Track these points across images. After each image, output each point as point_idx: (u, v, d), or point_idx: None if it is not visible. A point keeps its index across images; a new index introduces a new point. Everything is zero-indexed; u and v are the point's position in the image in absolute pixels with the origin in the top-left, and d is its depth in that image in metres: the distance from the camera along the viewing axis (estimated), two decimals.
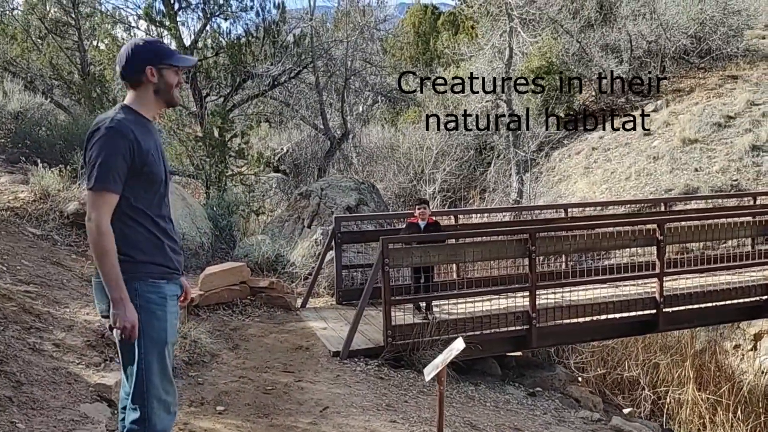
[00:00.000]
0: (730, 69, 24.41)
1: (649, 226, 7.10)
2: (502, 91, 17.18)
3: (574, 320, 6.92)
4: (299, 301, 7.97)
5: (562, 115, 21.82)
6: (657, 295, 7.15)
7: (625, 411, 8.33)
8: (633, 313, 7.14)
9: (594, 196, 18.15)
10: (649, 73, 25.29)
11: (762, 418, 8.42)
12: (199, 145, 13.03)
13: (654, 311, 7.19)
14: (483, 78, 18.28)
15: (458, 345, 4.34)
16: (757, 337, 10.84)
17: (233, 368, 5.55)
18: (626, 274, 7.17)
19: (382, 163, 20.50)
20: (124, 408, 2.98)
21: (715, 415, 8.38)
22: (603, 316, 7.02)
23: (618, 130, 22.01)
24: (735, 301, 7.58)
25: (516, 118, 17.44)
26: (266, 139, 19.96)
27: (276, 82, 14.67)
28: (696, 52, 25.73)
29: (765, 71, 23.58)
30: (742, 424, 8.18)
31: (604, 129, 22.50)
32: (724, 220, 7.62)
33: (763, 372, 10.04)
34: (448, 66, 26.04)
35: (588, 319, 6.97)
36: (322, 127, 17.59)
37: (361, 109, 24.30)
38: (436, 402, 5.28)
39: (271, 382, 5.28)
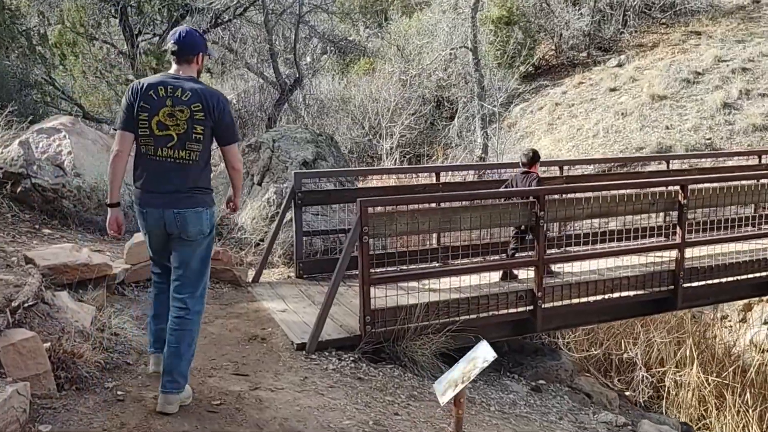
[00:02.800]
0: (693, 25, 23.65)
1: (671, 188, 5.99)
2: (467, 40, 15.75)
3: (584, 299, 5.79)
4: (251, 275, 6.62)
5: (522, 68, 20.66)
6: (676, 269, 6.08)
7: (627, 393, 7.39)
8: (649, 290, 6.06)
9: (560, 153, 17.17)
10: (611, 26, 24.37)
11: None
12: None
13: (672, 287, 6.13)
14: (446, 25, 16.81)
15: (484, 353, 3.11)
16: (746, 308, 10.06)
17: None
18: (642, 244, 6.08)
19: (334, 116, 18.99)
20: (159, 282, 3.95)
21: (720, 399, 7.49)
22: (616, 294, 5.92)
23: (582, 84, 21.07)
24: (755, 275, 6.60)
25: (480, 69, 16.14)
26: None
27: (219, 20, 12.93)
28: (658, 6, 24.90)
29: (728, 27, 22.88)
30: (750, 410, 7.31)
31: (566, 84, 21.54)
32: (748, 181, 6.57)
33: (755, 346, 9.27)
34: (404, 14, 24.52)
35: (599, 297, 5.86)
36: (271, 74, 15.93)
37: (309, 59, 22.63)
38: (432, 413, 4.08)
39: (219, 393, 3.96)
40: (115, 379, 3.93)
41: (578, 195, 5.61)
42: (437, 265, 6.20)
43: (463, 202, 5.30)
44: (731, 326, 10.01)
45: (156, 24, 12.70)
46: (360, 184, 9.05)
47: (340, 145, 16.24)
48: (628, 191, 5.84)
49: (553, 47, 24.33)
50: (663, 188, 5.99)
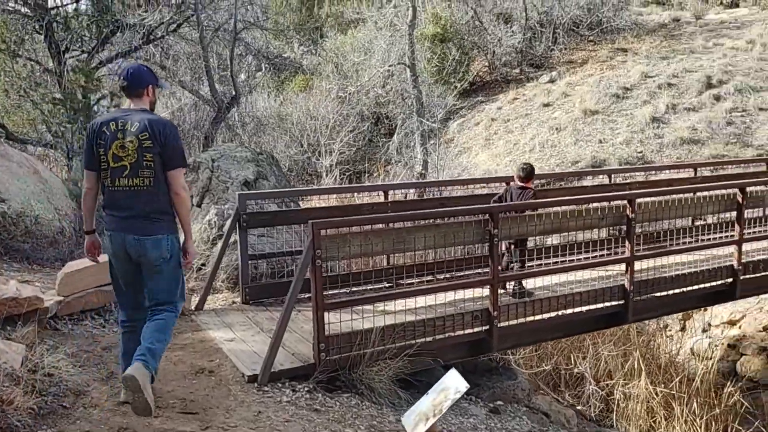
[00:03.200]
0: (619, 42, 24.47)
1: (618, 202, 6.03)
2: (405, 56, 15.76)
3: (538, 317, 5.74)
4: (194, 302, 6.30)
5: (457, 85, 20.88)
6: (627, 283, 6.11)
7: (579, 407, 7.38)
8: (601, 305, 6.07)
9: (498, 168, 17.35)
10: (542, 44, 24.97)
11: (716, 410, 7.70)
12: (58, 108, 10.80)
13: (623, 301, 6.16)
14: (383, 42, 16.79)
15: (456, 384, 2.97)
16: (686, 317, 10.29)
17: (108, 414, 3.86)
18: (593, 258, 6.08)
19: (271, 134, 18.69)
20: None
21: (668, 410, 7.57)
22: (569, 310, 5.89)
23: (516, 100, 21.44)
24: (702, 286, 6.71)
25: (419, 85, 16.16)
26: None
27: (152, 36, 12.49)
28: (586, 24, 25.67)
29: (652, 45, 23.79)
30: (697, 419, 7.40)
31: (501, 100, 21.87)
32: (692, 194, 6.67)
33: (697, 355, 9.47)
34: (339, 31, 24.46)
35: (553, 314, 5.81)
36: (206, 91, 15.52)
37: (243, 76, 22.28)
38: None
39: None
40: (51, 425, 3.60)
41: (530, 212, 5.57)
42: (392, 286, 6.03)
43: (421, 221, 5.17)
44: (671, 335, 10.22)
45: (84, 41, 12.16)
46: (303, 205, 8.87)
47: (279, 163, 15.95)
48: (578, 207, 5.82)
49: (487, 64, 24.73)
50: (611, 203, 6.02)
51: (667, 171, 9.37)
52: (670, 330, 10.35)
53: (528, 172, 6.50)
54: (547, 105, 20.18)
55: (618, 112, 18.59)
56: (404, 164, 15.99)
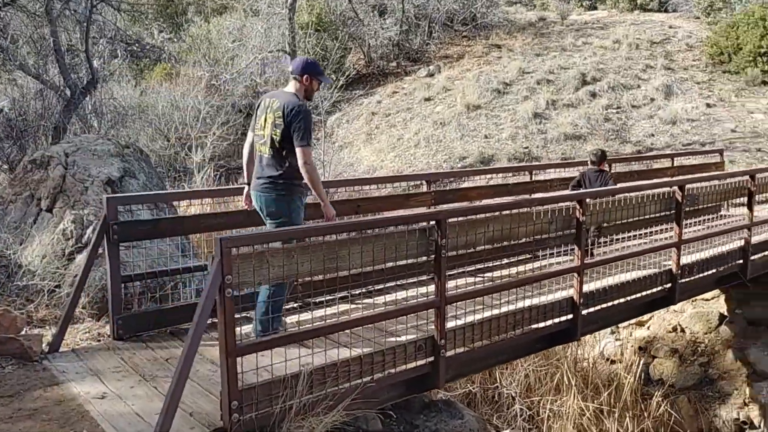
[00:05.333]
0: (492, 38, 24.51)
1: (568, 204, 5.23)
2: (285, 43, 14.45)
3: (486, 341, 4.82)
4: (46, 339, 4.80)
5: (340, 77, 19.85)
6: (575, 296, 5.35)
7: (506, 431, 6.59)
8: (550, 322, 5.26)
9: (383, 164, 16.53)
10: (418, 37, 24.52)
11: (646, 422, 7.21)
12: None
13: (571, 316, 5.39)
14: (260, 27, 15.37)
15: None
16: None
17: None
18: (542, 270, 5.26)
19: (132, 126, 16.70)
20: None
21: (599, 426, 6.97)
22: (518, 330, 5.03)
23: (396, 94, 20.75)
24: (643, 293, 6.11)
25: None
26: None
27: None
28: (460, 20, 25.54)
29: (525, 42, 23.99)
30: None
31: (380, 93, 21.10)
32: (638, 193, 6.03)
33: (606, 358, 9.06)
34: (204, 18, 22.64)
35: (502, 336, 4.92)
36: (54, 76, 13.41)
37: (97, 63, 19.94)
38: None
39: None
40: None
41: (479, 216, 4.63)
42: (321, 317, 4.86)
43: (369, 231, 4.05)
44: (585, 339, 9.77)
45: None
46: (183, 209, 7.47)
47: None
48: (527, 210, 4.96)
49: (364, 56, 23.90)
50: (560, 205, 5.22)
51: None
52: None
53: (600, 156, 7.03)
54: (428, 99, 19.63)
55: (500, 107, 18.36)
56: None
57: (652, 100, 18.41)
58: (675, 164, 9.62)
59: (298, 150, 4.44)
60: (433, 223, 4.33)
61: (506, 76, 20.15)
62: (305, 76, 4.64)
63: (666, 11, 26.65)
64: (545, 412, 7.04)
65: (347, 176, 15.33)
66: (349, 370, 4.04)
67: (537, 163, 9.64)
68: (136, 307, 5.33)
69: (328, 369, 3.94)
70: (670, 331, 9.20)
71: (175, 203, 7.38)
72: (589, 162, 7.22)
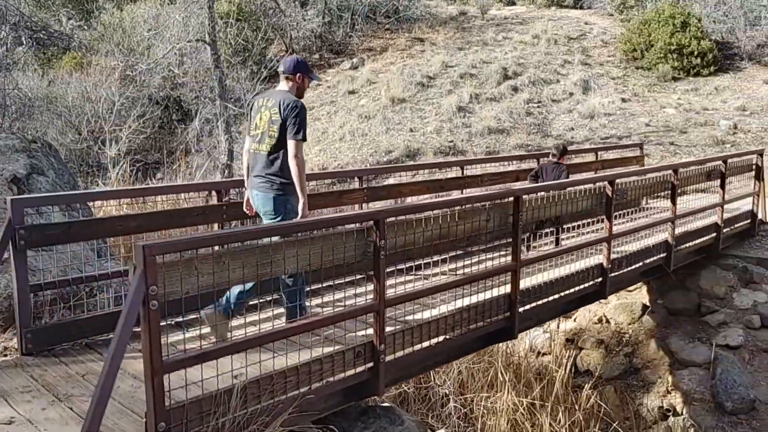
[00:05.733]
0: (415, 32, 24.54)
1: (505, 199, 5.15)
2: (205, 33, 13.89)
3: (426, 343, 4.68)
4: None
5: (259, 68, 19.36)
6: (513, 293, 5.29)
7: (441, 431, 6.50)
8: (488, 321, 5.17)
9: (307, 158, 16.17)
10: (341, 29, 24.26)
11: (577, 414, 7.28)
12: None
13: (509, 314, 5.33)
14: (178, 15, 14.71)
15: None
16: None
17: None
18: (479, 268, 5.15)
19: (39, 118, 15.75)
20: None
21: (533, 421, 6.99)
22: (457, 331, 4.91)
23: (320, 87, 20.42)
24: (577, 288, 6.13)
25: (222, 66, 14.43)
26: None
27: None
28: (383, 12, 25.43)
29: (447, 36, 24.13)
30: (562, 429, 6.91)
31: None
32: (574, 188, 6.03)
33: (534, 351, 9.14)
34: (116, 5, 21.59)
35: (441, 338, 4.79)
36: None
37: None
38: None
39: None
40: None
41: (418, 215, 4.47)
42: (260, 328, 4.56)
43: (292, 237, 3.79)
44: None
45: None
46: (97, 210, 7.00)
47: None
48: (464, 207, 4.84)
49: (285, 48, 23.43)
50: (501, 200, 5.13)
51: (516, 162, 8.90)
52: None
53: (561, 151, 7.54)
54: (352, 92, 19.43)
55: (425, 101, 18.35)
56: (206, 154, 14.17)
57: (571, 94, 18.84)
58: (599, 158, 9.80)
59: (290, 142, 4.53)
60: (371, 223, 4.14)
61: (430, 70, 20.17)
62: (298, 75, 4.77)
63: (581, 8, 27.35)
64: (479, 409, 7.00)
65: None
66: (286, 381, 3.80)
67: (468, 158, 9.54)
68: (47, 318, 4.90)
69: (264, 381, 3.70)
70: (595, 323, 9.37)
71: (89, 203, 6.90)
72: (550, 155, 7.72)
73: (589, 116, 17.35)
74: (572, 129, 16.89)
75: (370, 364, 4.28)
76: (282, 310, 4.68)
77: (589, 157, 10.09)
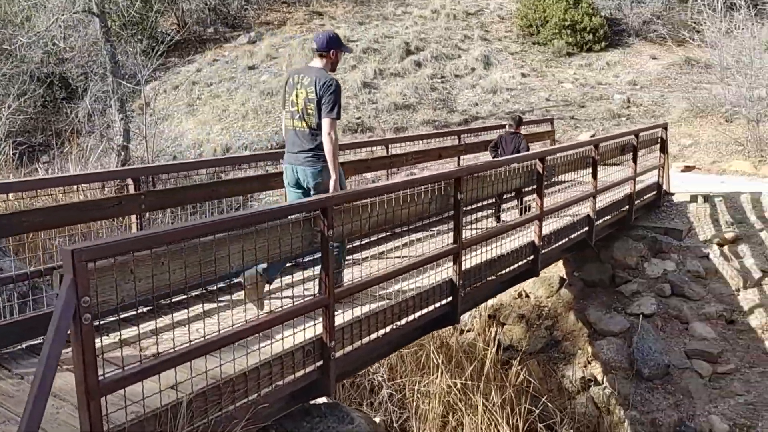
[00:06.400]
0: (313, 5, 23.93)
1: (445, 181, 4.93)
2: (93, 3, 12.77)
3: (374, 335, 4.42)
4: None
5: (150, 43, 18.23)
6: (455, 276, 5.12)
7: (377, 420, 6.30)
8: (432, 307, 4.98)
9: (209, 137, 15.45)
10: (235, 2, 23.31)
11: (508, 391, 7.29)
12: None
13: (451, 298, 5.16)
14: None
15: None
16: None
17: None
18: (423, 255, 4.93)
19: None
20: None
21: (468, 402, 6.93)
22: (403, 320, 4.69)
23: (217, 62, 19.53)
24: (511, 268, 6.06)
25: (112, 39, 13.37)
26: None
27: None
28: None
29: (346, 10, 23.68)
30: (499, 409, 6.90)
31: (199, 61, 19.72)
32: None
33: (461, 330, 9.12)
34: None
35: (389, 328, 4.55)
36: None
37: None
38: None
39: None
40: None
41: (365, 200, 4.18)
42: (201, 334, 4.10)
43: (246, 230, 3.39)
44: None
45: None
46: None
47: None
48: (411, 190, 4.59)
49: (176, 21, 22.24)
50: (441, 182, 4.91)
51: (436, 139, 8.73)
52: None
53: (517, 121, 8.05)
54: (252, 68, 18.70)
55: None
56: (99, 135, 13.16)
57: (473, 69, 18.96)
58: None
59: (324, 120, 4.68)
60: (318, 211, 3.82)
61: None
62: (332, 51, 4.90)
63: None
64: (413, 393, 6.86)
65: (174, 152, 14.13)
66: (234, 389, 3.45)
67: (393, 137, 9.18)
68: None
69: (211, 392, 3.33)
70: (516, 298, 9.45)
71: None
72: (507, 125, 8.17)
73: (492, 91, 17.52)
74: (476, 104, 17.00)
75: (320, 362, 3.98)
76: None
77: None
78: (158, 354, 3.06)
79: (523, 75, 18.90)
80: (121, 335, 3.13)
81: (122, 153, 12.47)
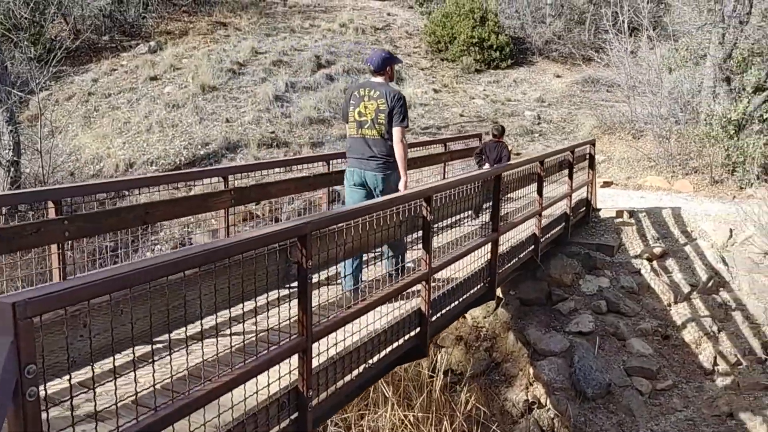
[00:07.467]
0: (216, 15, 23.04)
1: (414, 202, 4.48)
2: None
3: (348, 377, 3.89)
4: None
5: (33, 50, 16.82)
6: (423, 305, 4.66)
7: None
8: (402, 340, 4.49)
9: (109, 152, 14.31)
10: (132, 10, 22.02)
11: (458, 420, 6.90)
12: None
13: (419, 329, 4.70)
14: None
15: None
16: None
17: None
18: (395, 284, 4.44)
19: None
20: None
21: None
22: (375, 357, 4.18)
23: (115, 72, 18.28)
24: (471, 292, 5.67)
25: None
26: None
27: None
28: None
29: (250, 21, 22.94)
30: None
31: (95, 71, 18.37)
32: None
33: None
34: None
35: (362, 368, 4.03)
36: None
37: None
38: None
39: None
40: None
41: (341, 225, 3.65)
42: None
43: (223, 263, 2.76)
44: None
45: None
46: None
47: None
48: (384, 212, 4.10)
49: (68, 28, 20.70)
50: (410, 203, 4.45)
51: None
52: None
53: (500, 131, 8.55)
54: (155, 78, 17.59)
55: (238, 89, 17.12)
56: None
57: None
58: (448, 149, 9.55)
59: (396, 129, 5.26)
60: (294, 239, 3.26)
61: (239, 56, 18.90)
62: (388, 68, 5.50)
63: None
64: (361, 430, 6.34)
65: (71, 168, 12.94)
66: None
67: (332, 153, 8.58)
68: None
69: None
70: None
71: None
72: (491, 134, 8.65)
73: (408, 106, 17.31)
74: None
75: (296, 414, 3.41)
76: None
77: (438, 149, 9.79)
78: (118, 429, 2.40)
79: (435, 90, 18.86)
80: (72, 406, 2.44)
81: (11, 169, 11.23)
